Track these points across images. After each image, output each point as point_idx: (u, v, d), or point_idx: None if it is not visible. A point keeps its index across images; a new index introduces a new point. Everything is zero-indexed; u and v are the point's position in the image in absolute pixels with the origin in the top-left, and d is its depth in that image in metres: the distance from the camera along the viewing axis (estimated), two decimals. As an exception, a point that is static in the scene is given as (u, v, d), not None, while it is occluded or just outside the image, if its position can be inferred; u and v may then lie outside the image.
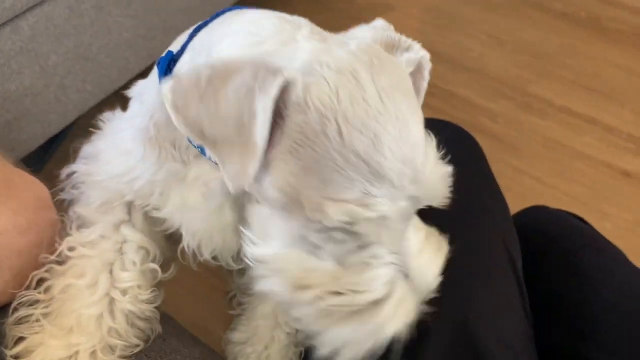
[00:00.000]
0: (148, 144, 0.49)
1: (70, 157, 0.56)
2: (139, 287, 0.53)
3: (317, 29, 0.45)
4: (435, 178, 0.42)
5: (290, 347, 0.64)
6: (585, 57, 1.62)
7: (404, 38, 0.47)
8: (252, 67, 0.38)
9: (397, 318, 0.41)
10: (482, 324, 0.55)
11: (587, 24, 1.72)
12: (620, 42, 1.66)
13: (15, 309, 0.49)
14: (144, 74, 0.55)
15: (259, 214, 0.43)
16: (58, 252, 0.51)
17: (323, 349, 0.43)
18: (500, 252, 0.62)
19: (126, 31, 1.06)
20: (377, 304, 0.41)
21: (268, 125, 0.37)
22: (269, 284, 0.43)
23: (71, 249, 0.52)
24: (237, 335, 0.66)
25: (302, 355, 0.64)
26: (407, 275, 0.42)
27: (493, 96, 1.50)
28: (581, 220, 0.76)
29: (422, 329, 0.44)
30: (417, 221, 0.44)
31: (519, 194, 1.29)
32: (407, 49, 0.47)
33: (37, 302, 0.50)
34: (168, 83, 0.40)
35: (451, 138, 0.70)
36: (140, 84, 0.53)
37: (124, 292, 0.52)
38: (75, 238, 0.52)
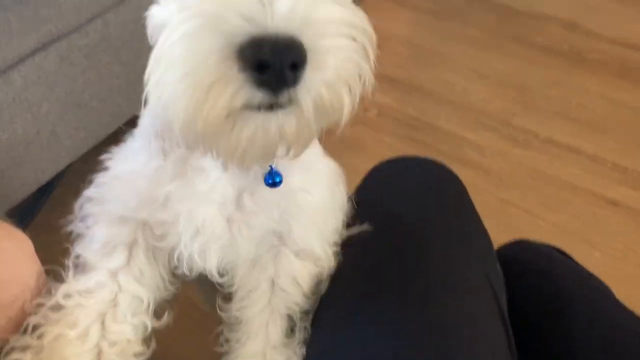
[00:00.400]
0: (151, 149, 0.52)
1: (62, 205, 0.58)
2: (128, 340, 0.54)
3: None
4: None
5: None
6: (568, 88, 1.66)
7: None
8: None
9: None
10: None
11: (568, 56, 1.77)
12: (601, 72, 1.71)
13: (7, 352, 0.50)
14: (135, 119, 0.57)
15: None
16: (54, 299, 0.52)
17: None
18: (483, 290, 0.62)
19: (117, 77, 1.08)
20: None
21: None
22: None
23: (66, 297, 0.53)
24: None
25: None
26: None
27: (477, 129, 1.53)
28: (564, 254, 0.77)
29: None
30: None
31: (505, 225, 1.31)
32: None
33: (29, 347, 0.51)
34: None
35: (433, 176, 0.72)
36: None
37: (113, 344, 0.53)
38: (71, 285, 0.54)
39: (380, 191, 0.70)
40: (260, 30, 0.33)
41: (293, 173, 0.54)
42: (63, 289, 0.53)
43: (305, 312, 0.60)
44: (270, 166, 0.52)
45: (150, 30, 0.43)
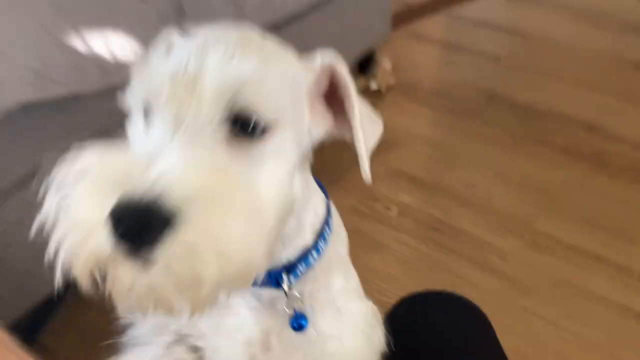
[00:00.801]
0: None
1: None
2: None
3: None
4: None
5: None
6: (590, 192, 1.66)
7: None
8: None
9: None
10: None
11: (589, 159, 1.77)
12: (623, 177, 1.70)
13: None
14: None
15: None
16: None
17: None
18: None
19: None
20: None
21: None
22: None
23: None
24: None
25: None
26: None
27: (501, 233, 1.52)
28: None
29: None
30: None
31: (529, 337, 1.27)
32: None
33: None
34: None
35: (458, 311, 0.71)
36: None
37: None
38: None
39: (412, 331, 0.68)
40: (126, 194, 0.36)
41: (323, 317, 0.53)
42: None
43: None
44: (294, 309, 0.51)
45: None
